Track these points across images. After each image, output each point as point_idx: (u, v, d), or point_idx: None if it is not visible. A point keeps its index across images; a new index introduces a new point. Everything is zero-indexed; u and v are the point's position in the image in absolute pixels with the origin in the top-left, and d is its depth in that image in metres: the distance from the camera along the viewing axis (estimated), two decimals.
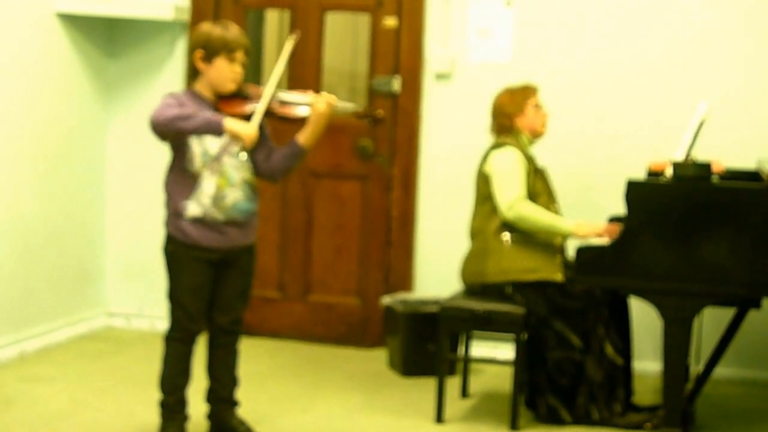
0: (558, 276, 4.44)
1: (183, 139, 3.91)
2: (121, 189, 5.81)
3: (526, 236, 4.48)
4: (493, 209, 4.53)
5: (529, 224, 4.47)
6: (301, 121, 4.01)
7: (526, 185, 4.51)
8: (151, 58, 5.74)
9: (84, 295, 5.72)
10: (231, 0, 5.70)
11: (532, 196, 4.53)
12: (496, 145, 4.61)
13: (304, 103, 4.01)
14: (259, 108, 3.92)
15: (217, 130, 3.84)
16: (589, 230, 4.46)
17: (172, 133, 3.85)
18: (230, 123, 3.83)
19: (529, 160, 4.58)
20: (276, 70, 4.00)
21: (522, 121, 4.64)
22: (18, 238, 5.18)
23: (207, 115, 3.84)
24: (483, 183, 4.59)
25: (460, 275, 4.67)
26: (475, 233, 4.62)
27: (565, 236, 4.52)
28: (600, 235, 4.43)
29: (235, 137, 3.86)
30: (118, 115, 5.80)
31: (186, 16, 5.61)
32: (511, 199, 4.45)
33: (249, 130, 3.85)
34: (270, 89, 3.95)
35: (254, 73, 5.81)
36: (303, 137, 4.05)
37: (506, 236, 4.50)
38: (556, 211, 4.65)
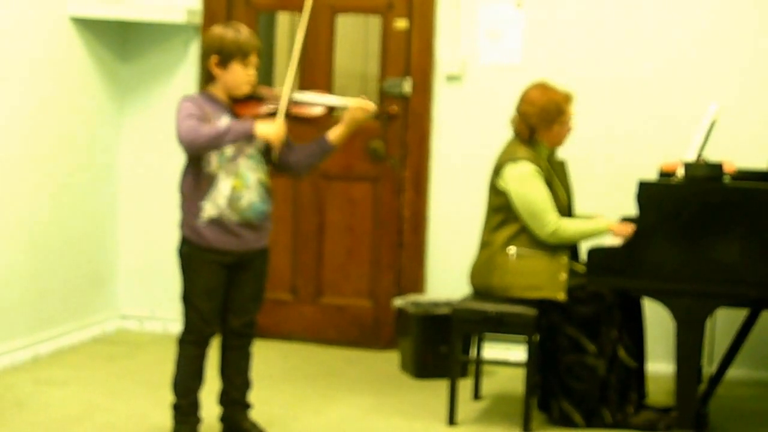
0: (560, 295, 4.40)
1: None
2: (134, 192, 5.83)
3: (531, 251, 4.45)
4: (502, 222, 4.50)
5: (573, 241, 4.49)
6: (315, 121, 4.04)
7: (552, 200, 4.45)
8: (164, 61, 5.76)
9: (97, 297, 5.74)
10: (243, 2, 5.71)
11: None
12: (510, 157, 4.48)
13: (336, 104, 4.05)
14: (280, 107, 3.95)
15: (249, 137, 3.90)
16: (619, 227, 4.42)
17: (210, 150, 3.89)
18: (260, 128, 3.89)
19: (545, 169, 4.50)
20: (291, 66, 4.01)
21: (544, 135, 4.53)
22: (31, 241, 5.19)
23: (237, 126, 3.88)
24: (495, 195, 4.53)
25: (469, 281, 4.66)
26: (483, 244, 4.59)
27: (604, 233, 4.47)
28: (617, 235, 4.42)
29: (266, 140, 3.91)
30: (131, 118, 5.81)
31: (198, 19, 5.62)
32: (550, 228, 4.39)
33: (277, 130, 3.91)
34: (288, 86, 3.98)
35: (266, 75, 5.82)
36: (334, 136, 4.09)
37: (512, 250, 4.47)
38: (571, 205, 4.63)
